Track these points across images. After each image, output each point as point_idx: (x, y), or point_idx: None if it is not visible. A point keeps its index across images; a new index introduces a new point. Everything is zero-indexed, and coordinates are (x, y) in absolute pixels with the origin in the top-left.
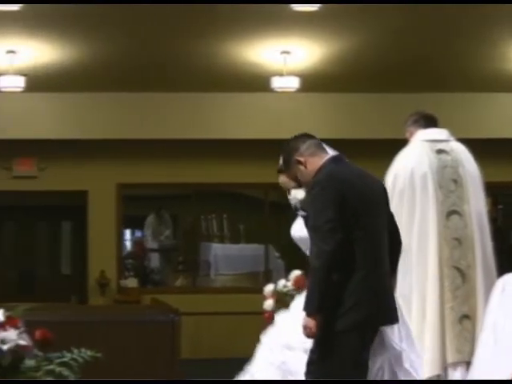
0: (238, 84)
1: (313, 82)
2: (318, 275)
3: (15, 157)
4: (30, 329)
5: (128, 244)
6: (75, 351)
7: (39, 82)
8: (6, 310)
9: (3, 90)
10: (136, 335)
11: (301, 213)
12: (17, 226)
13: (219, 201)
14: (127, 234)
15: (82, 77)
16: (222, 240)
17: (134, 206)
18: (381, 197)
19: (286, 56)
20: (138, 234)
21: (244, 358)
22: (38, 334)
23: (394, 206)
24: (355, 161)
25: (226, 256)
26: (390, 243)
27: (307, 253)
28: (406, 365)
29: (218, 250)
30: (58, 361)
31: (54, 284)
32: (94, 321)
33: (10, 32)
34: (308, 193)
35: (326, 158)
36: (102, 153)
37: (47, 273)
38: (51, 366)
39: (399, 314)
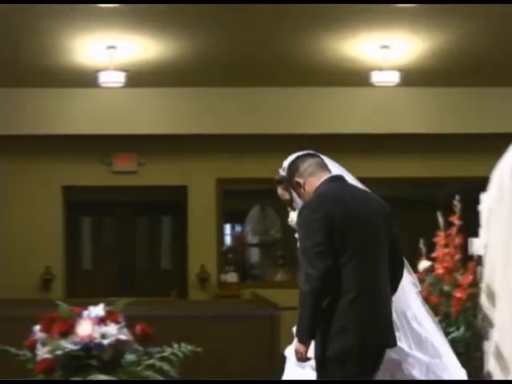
0: (337, 78)
1: (413, 76)
2: (308, 300)
3: (115, 152)
4: (130, 323)
5: (228, 239)
6: (175, 346)
7: (139, 77)
8: (107, 304)
9: (103, 85)
10: (236, 330)
11: (296, 235)
12: (117, 221)
13: None
14: (227, 228)
15: (183, 72)
16: None
17: (234, 200)
18: (379, 219)
19: (385, 50)
20: (238, 228)
21: None
22: (138, 328)
23: (496, 203)
24: (455, 156)
25: None
26: (391, 267)
27: None
28: (414, 371)
29: None
30: (159, 355)
31: (154, 279)
32: (193, 315)
33: (111, 28)
34: (298, 214)
35: (324, 178)
36: (202, 148)
37: (147, 268)
38: (151, 361)
39: (399, 333)
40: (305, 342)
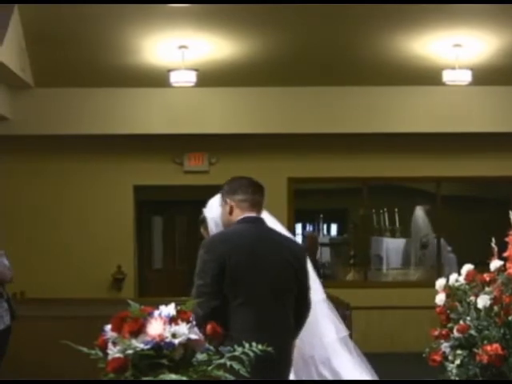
0: (407, 77)
1: (485, 75)
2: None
3: (187, 152)
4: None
5: (299, 238)
6: (246, 345)
7: (210, 76)
8: (178, 304)
9: (175, 85)
10: None
11: None
12: (188, 220)
13: (390, 194)
14: (298, 227)
15: (254, 71)
16: (393, 234)
17: (306, 199)
18: (283, 264)
19: (457, 49)
20: (310, 227)
21: (413, 353)
22: (208, 328)
23: None
24: None
25: (396, 250)
26: (297, 311)
27: None
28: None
29: (390, 244)
30: (229, 355)
31: None
32: None
33: (182, 27)
34: (200, 249)
35: (242, 216)
36: (273, 147)
37: None
38: (222, 360)
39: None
40: None
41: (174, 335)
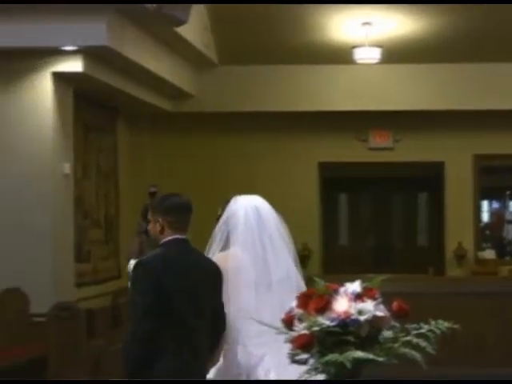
0: None
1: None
2: (126, 354)
3: (371, 129)
4: (386, 300)
5: (485, 215)
6: (432, 323)
7: (395, 53)
8: (363, 281)
9: (359, 61)
10: (492, 307)
11: None
12: (372, 197)
13: None
14: (484, 205)
15: (441, 47)
16: None
17: (492, 177)
18: (204, 286)
19: None
20: (496, 205)
21: None
22: (395, 305)
23: None
24: None
25: None
26: (213, 326)
27: None
28: None
29: None
30: (415, 332)
31: (411, 256)
32: (449, 292)
33: (366, 4)
34: (134, 267)
35: (172, 237)
36: (459, 123)
37: (403, 244)
38: (408, 338)
39: None
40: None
41: (359, 312)
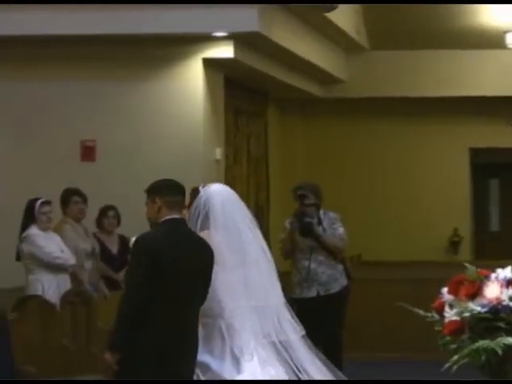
0: None
1: None
2: (122, 322)
3: None
4: None
5: None
6: None
7: None
8: None
9: (511, 46)
10: None
11: None
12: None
13: None
14: None
15: None
16: None
17: None
18: (198, 260)
19: None
20: None
21: None
22: None
23: None
24: None
25: None
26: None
27: None
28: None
29: None
30: None
31: None
32: None
33: None
34: (135, 241)
35: (169, 217)
36: None
37: None
38: None
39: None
40: (114, 352)
41: (511, 298)
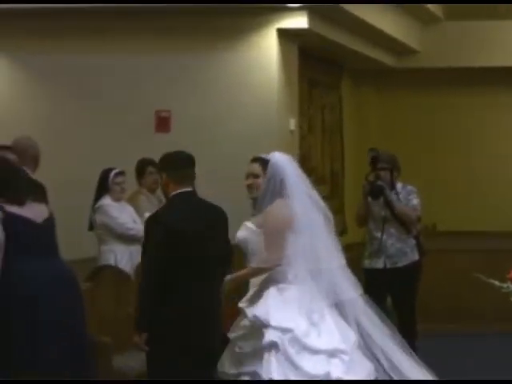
0: None
1: None
2: (141, 302)
3: None
4: None
5: None
6: None
7: None
8: None
9: None
10: None
11: None
12: None
13: None
14: None
15: None
16: None
17: None
18: (213, 228)
19: None
20: None
21: None
22: None
23: None
24: None
25: None
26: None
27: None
28: None
29: None
30: None
31: None
32: None
33: None
34: (154, 215)
35: (179, 191)
36: None
37: None
38: None
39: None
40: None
41: None
